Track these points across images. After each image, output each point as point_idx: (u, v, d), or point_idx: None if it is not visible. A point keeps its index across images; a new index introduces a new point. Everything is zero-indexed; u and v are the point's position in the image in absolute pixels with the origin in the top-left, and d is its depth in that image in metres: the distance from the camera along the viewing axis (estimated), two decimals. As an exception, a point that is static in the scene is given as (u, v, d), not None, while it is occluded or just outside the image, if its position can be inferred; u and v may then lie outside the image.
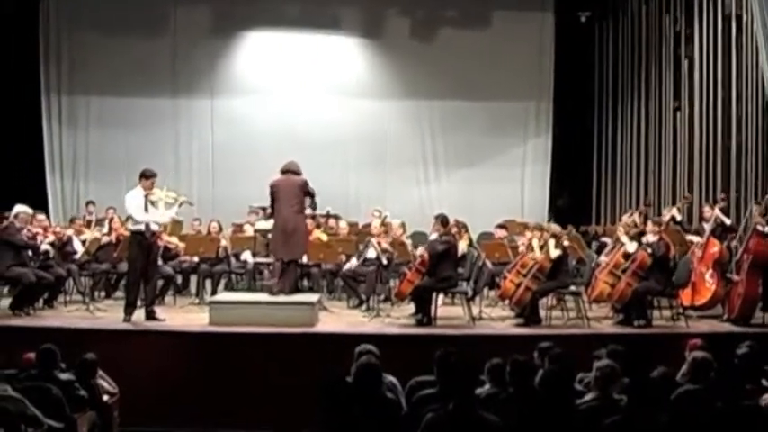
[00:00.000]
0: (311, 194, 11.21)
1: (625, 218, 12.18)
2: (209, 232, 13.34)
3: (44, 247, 11.34)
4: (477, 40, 17.32)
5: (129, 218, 10.97)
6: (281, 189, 10.84)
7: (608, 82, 17.60)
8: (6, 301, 11.07)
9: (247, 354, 9.58)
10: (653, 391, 5.68)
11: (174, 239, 12.99)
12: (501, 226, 13.31)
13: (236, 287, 13.33)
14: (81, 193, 17.24)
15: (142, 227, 10.41)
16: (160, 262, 11.96)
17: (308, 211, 13.48)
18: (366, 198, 16.81)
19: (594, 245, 14.01)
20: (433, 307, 10.66)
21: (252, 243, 12.76)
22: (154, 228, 10.52)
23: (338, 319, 11.21)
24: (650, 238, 10.69)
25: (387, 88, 17.52)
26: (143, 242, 10.46)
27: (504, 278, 11.05)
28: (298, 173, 10.99)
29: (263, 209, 11.70)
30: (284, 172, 10.96)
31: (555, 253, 10.68)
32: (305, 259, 12.25)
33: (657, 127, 16.01)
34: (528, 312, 10.65)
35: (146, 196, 10.50)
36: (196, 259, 12.90)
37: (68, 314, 11.20)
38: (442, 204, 15.82)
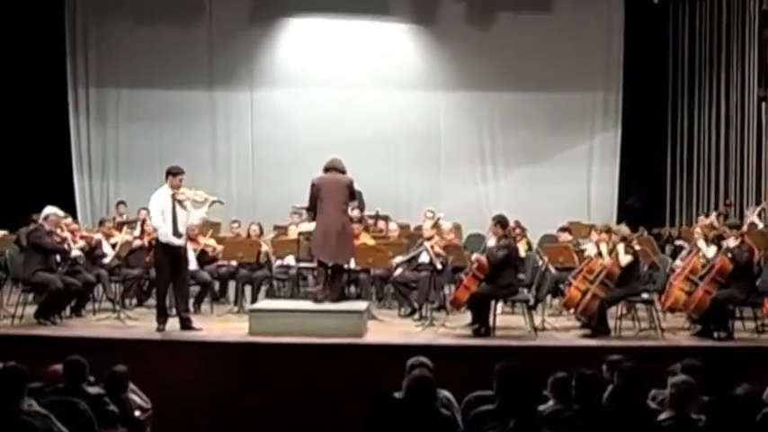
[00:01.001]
0: (354, 195, 11.20)
1: (702, 219, 12.04)
2: (248, 235, 13.39)
3: (75, 252, 11.46)
4: (539, 26, 17.23)
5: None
6: (324, 187, 10.82)
7: (684, 70, 17.40)
8: (31, 309, 11.21)
9: (290, 366, 9.58)
10: (735, 411, 5.59)
11: (212, 242, 13.08)
12: (565, 228, 13.22)
13: (277, 294, 13.37)
14: (111, 192, 17.45)
15: (170, 227, 10.48)
16: (195, 266, 12.04)
17: (355, 213, 13.53)
18: (418, 198, 16.79)
19: (669, 248, 13.87)
20: (491, 316, 10.60)
21: (295, 247, 12.79)
22: (181, 230, 10.58)
23: (388, 328, 11.18)
24: (731, 242, 10.53)
25: (440, 79, 17.49)
26: (169, 248, 10.52)
27: (569, 285, 10.95)
28: (343, 171, 10.98)
29: (307, 209, 11.70)
30: (328, 169, 10.96)
31: (626, 259, 10.55)
32: (352, 264, 12.25)
33: (740, 118, 15.79)
34: (595, 322, 10.54)
35: (173, 196, 10.56)
36: (235, 264, 12.95)
37: (97, 323, 11.31)
38: (501, 205, 15.72)
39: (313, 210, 11.17)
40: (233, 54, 17.49)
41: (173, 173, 10.64)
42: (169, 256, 10.53)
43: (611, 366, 7.00)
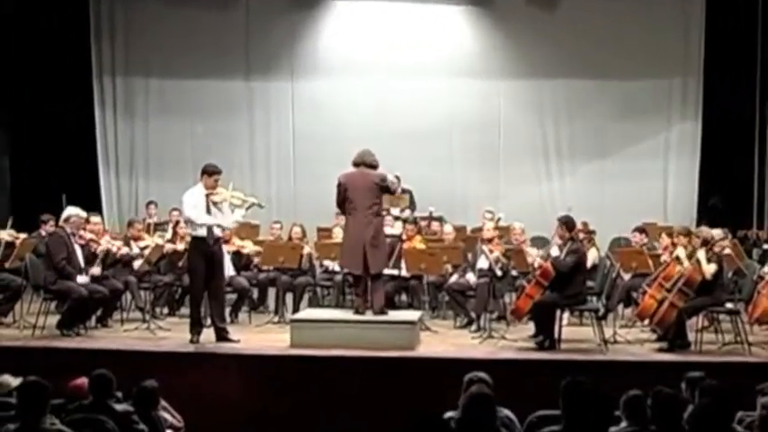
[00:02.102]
0: (391, 190, 11.02)
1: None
2: (290, 238, 13.45)
3: (91, 271, 11.49)
4: (609, 6, 17.09)
5: (187, 221, 11.09)
6: (353, 186, 10.69)
7: (773, 52, 17.17)
8: (54, 319, 11.33)
9: (335, 382, 9.60)
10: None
11: (248, 243, 13.14)
12: (640, 230, 13.10)
13: (321, 303, 13.41)
14: (140, 192, 17.60)
15: (203, 232, 10.53)
16: (232, 272, 12.11)
17: (406, 214, 13.52)
18: (475, 197, 16.73)
19: (756, 253, 13.70)
20: (556, 327, 10.56)
21: (341, 250, 12.79)
22: (217, 232, 10.63)
23: (443, 340, 11.19)
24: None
25: (498, 66, 17.42)
26: (205, 249, 10.58)
27: (644, 293, 10.87)
28: (373, 165, 10.83)
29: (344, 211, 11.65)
30: (356, 164, 10.84)
31: (710, 269, 10.41)
32: (403, 271, 12.24)
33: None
34: (673, 335, 10.44)
35: (207, 196, 10.60)
36: (274, 269, 13.00)
37: (125, 334, 11.42)
38: (567, 204, 15.64)
39: (342, 212, 11.13)
40: (272, 40, 17.54)
41: (208, 172, 10.66)
42: (204, 261, 10.57)
43: (691, 384, 6.95)
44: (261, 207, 11.31)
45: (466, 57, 17.47)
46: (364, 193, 10.67)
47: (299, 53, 17.72)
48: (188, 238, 11.65)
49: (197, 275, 10.65)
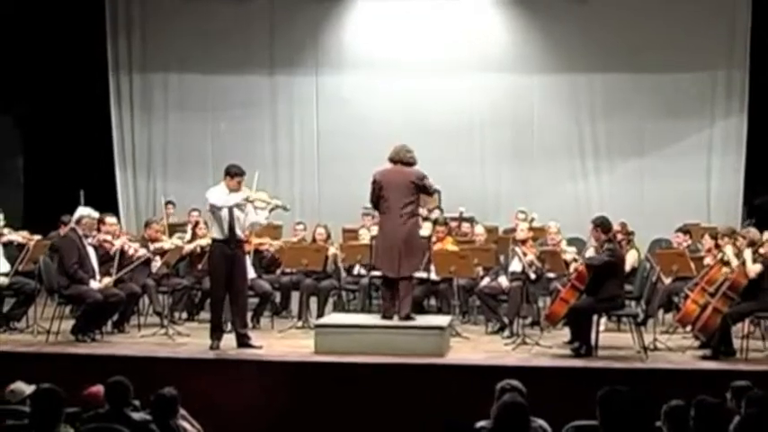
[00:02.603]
0: (429, 191, 11.01)
1: None
2: (314, 240, 13.45)
3: (105, 281, 11.54)
4: (647, -5, 17.04)
5: (212, 209, 11.03)
6: (387, 184, 10.65)
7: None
8: (68, 324, 11.38)
9: (361, 390, 9.59)
10: None
11: (267, 240, 13.14)
12: (683, 231, 13.03)
13: (347, 307, 13.41)
14: (158, 191, 17.62)
15: (224, 233, 10.54)
16: (253, 275, 12.11)
17: (435, 215, 13.49)
18: (507, 196, 16.72)
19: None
20: (593, 333, 10.51)
21: (367, 253, 12.79)
22: (239, 234, 10.64)
23: (474, 347, 11.18)
24: None
25: (532, 60, 17.35)
26: (226, 251, 10.60)
27: (685, 298, 10.83)
28: (410, 162, 10.80)
29: (378, 210, 11.62)
30: (393, 161, 10.81)
31: (755, 268, 10.35)
32: (432, 274, 12.22)
33: None
34: (717, 342, 10.38)
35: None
36: (297, 272, 13.01)
37: (143, 340, 11.46)
38: (604, 204, 15.60)
39: (376, 210, 11.11)
40: (296, 33, 17.55)
41: (231, 173, 10.67)
42: (225, 263, 10.59)
43: (736, 394, 6.91)
44: (285, 210, 11.33)
45: (497, 50, 17.40)
46: (400, 191, 10.63)
47: (324, 46, 17.72)
48: (208, 240, 11.68)
49: (218, 278, 10.67)
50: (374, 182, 10.74)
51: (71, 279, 11.13)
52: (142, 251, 12.23)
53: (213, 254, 10.76)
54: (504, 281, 12.28)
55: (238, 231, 10.64)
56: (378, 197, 10.74)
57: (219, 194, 10.59)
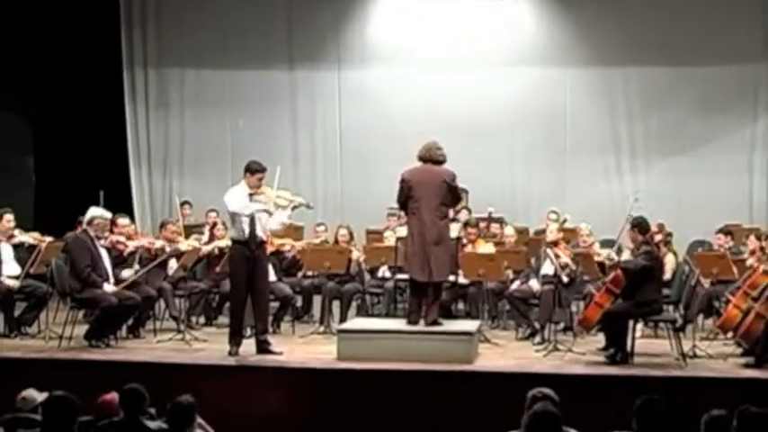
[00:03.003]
0: (457, 193, 10.95)
1: None
2: (336, 241, 13.45)
3: (125, 273, 11.59)
4: (686, -17, 16.98)
5: (233, 215, 11.06)
6: (417, 184, 10.59)
7: None
8: (81, 329, 11.42)
9: (386, 398, 9.57)
10: None
11: (291, 242, 13.16)
12: (725, 232, 12.97)
13: (371, 312, 13.41)
14: (174, 191, 17.64)
15: (245, 234, 10.55)
16: (273, 278, 12.12)
17: (463, 216, 13.46)
18: (538, 196, 16.71)
19: None
20: (629, 339, 10.47)
21: (392, 255, 12.80)
22: (260, 235, 10.64)
23: (504, 353, 11.17)
24: None
25: (565, 52, 17.31)
26: (247, 253, 10.60)
27: (727, 302, 10.78)
28: (441, 161, 10.76)
29: (406, 211, 11.59)
30: (423, 160, 10.77)
31: (799, 270, 10.32)
32: (461, 277, 12.20)
33: None
34: (761, 349, 10.32)
35: (250, 196, 10.64)
36: (319, 275, 13.02)
37: (159, 345, 11.49)
38: (640, 204, 15.49)
39: (404, 211, 11.07)
40: (317, 26, 17.59)
41: (251, 170, 10.68)
42: (246, 265, 10.59)
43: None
44: (309, 208, 11.33)
45: (528, 43, 17.38)
46: (431, 191, 10.57)
47: (346, 40, 17.74)
48: (226, 241, 11.70)
49: (238, 281, 10.67)
50: (403, 181, 10.69)
51: (83, 282, 11.17)
52: (160, 243, 12.30)
53: (233, 256, 10.76)
54: (535, 284, 12.25)
55: (259, 232, 10.63)
56: (406, 197, 10.68)
57: (239, 197, 10.58)
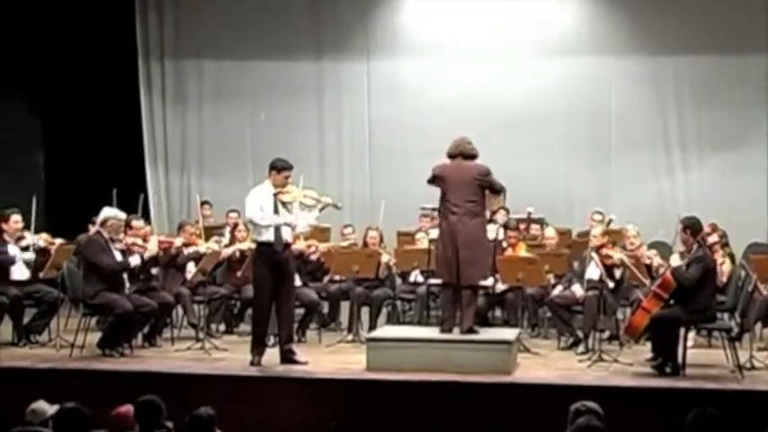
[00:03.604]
0: (495, 188, 10.94)
1: None
2: (365, 244, 13.45)
3: (133, 260, 11.62)
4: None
5: (250, 223, 11.12)
6: (448, 180, 10.63)
7: None
8: (94, 337, 11.47)
9: (418, 411, 9.58)
10: None
11: (317, 244, 13.16)
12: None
13: (402, 319, 13.42)
14: (192, 190, 17.68)
15: (270, 236, 10.55)
16: (298, 282, 12.13)
17: (500, 217, 13.43)
18: (582, 195, 16.65)
19: None
20: (680, 349, 10.42)
21: (425, 258, 12.81)
22: (286, 237, 10.65)
23: (545, 364, 11.16)
24: None
25: (610, 41, 17.24)
26: (272, 257, 10.60)
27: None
28: (472, 156, 10.77)
29: (438, 211, 11.61)
30: (452, 156, 10.79)
31: None
32: (498, 282, 12.18)
33: None
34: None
35: (275, 195, 10.65)
36: (347, 280, 13.03)
37: (176, 354, 11.53)
38: (692, 204, 15.46)
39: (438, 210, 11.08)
40: (345, 14, 17.61)
41: (277, 168, 10.69)
42: (271, 269, 10.60)
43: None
44: (337, 208, 11.33)
45: (569, 32, 17.30)
46: (462, 188, 10.60)
47: (375, 29, 17.73)
48: (248, 244, 11.70)
49: (263, 286, 10.68)
50: (434, 177, 10.73)
51: (113, 271, 11.21)
52: (180, 241, 12.43)
53: (258, 259, 10.77)
54: (578, 290, 12.22)
55: (285, 234, 10.64)
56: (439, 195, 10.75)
57: (262, 200, 10.59)
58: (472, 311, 10.81)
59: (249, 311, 12.86)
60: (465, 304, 10.73)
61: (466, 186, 10.59)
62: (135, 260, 11.56)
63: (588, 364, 10.89)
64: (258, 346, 10.66)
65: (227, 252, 12.96)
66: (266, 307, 10.72)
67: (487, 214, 12.95)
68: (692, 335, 11.24)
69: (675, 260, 10.86)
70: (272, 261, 10.59)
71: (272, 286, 10.62)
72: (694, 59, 17.00)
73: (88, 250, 11.44)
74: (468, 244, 10.58)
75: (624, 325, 11.30)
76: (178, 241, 12.62)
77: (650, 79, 17.21)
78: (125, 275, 11.54)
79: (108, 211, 11.68)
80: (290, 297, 10.91)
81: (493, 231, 12.84)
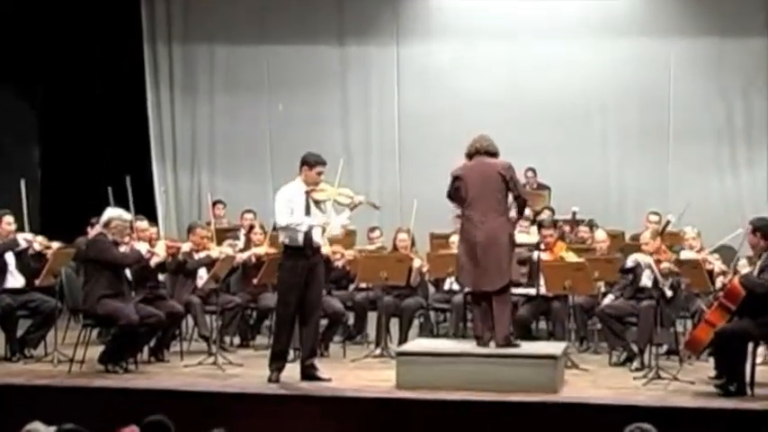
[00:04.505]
0: (518, 189, 10.80)
1: None
2: (395, 248, 13.44)
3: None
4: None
5: (280, 228, 11.07)
6: (471, 181, 10.60)
7: None
8: (95, 351, 11.48)
9: (454, 433, 9.60)
10: None
11: (342, 249, 13.17)
12: None
13: (436, 331, 13.41)
14: (203, 189, 17.77)
15: (300, 239, 10.53)
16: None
17: (546, 216, 13.39)
18: (636, 194, 16.70)
19: None
20: (748, 366, 10.36)
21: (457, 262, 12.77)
22: (317, 240, 10.62)
23: (594, 381, 11.13)
24: None
25: (668, 19, 17.25)
26: (302, 262, 10.56)
27: None
28: (494, 153, 10.73)
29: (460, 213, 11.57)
30: (472, 154, 10.73)
31: None
32: (543, 290, 12.14)
33: None
34: None
35: (308, 194, 10.62)
36: (374, 287, 13.03)
37: (186, 370, 11.52)
38: (760, 203, 15.39)
39: (453, 203, 11.12)
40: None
41: (309, 163, 10.65)
42: (300, 274, 10.53)
43: None
44: (376, 207, 11.29)
45: (623, 9, 17.33)
46: (484, 186, 10.58)
47: (406, 9, 17.84)
48: (265, 248, 11.69)
49: (288, 293, 10.61)
50: (455, 179, 10.72)
51: (123, 265, 11.29)
52: (186, 246, 12.44)
53: (285, 263, 10.71)
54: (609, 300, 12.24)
55: (317, 237, 10.62)
56: (459, 197, 10.74)
57: (292, 200, 10.57)
58: (506, 320, 10.72)
59: (266, 323, 12.87)
60: (497, 314, 10.66)
61: (490, 183, 10.58)
62: (155, 258, 11.57)
63: (644, 382, 10.85)
64: (277, 361, 10.63)
65: (241, 257, 12.95)
66: (290, 317, 10.66)
67: (528, 212, 12.96)
68: (761, 350, 11.19)
69: (744, 265, 10.79)
70: (301, 267, 10.54)
71: (299, 294, 10.59)
72: (763, 41, 16.93)
73: (94, 250, 11.40)
74: (490, 244, 10.53)
75: (685, 339, 11.26)
76: (186, 246, 12.59)
77: (714, 63, 17.18)
78: (129, 281, 11.54)
79: (112, 212, 11.65)
80: (317, 306, 10.85)
81: (534, 235, 12.83)
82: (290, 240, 10.59)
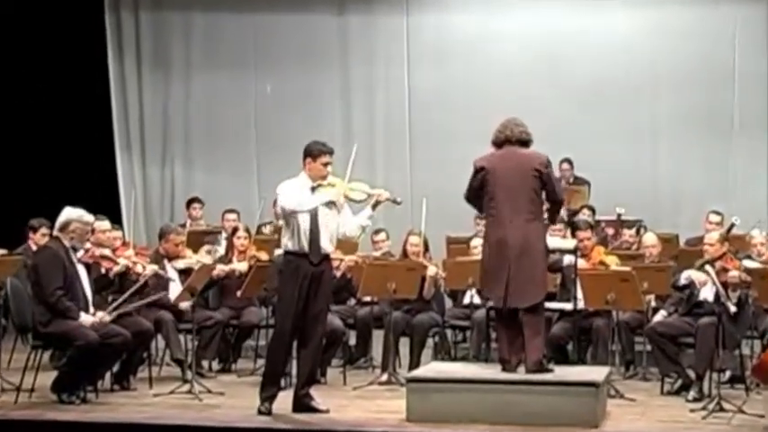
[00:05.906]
0: (555, 188, 10.71)
1: None
2: (405, 254, 13.42)
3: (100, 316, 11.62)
4: None
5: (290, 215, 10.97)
6: (497, 175, 10.47)
7: None
8: (48, 378, 11.43)
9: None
10: None
11: (341, 256, 13.14)
12: None
13: (454, 353, 13.40)
14: (177, 185, 17.78)
15: (305, 241, 10.46)
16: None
17: (586, 216, 13.37)
18: (693, 192, 16.67)
19: None
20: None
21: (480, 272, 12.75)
22: (325, 247, 10.55)
23: (644, 413, 11.07)
24: None
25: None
26: (306, 270, 10.48)
27: None
28: (526, 142, 10.63)
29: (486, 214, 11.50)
30: (499, 144, 10.62)
31: None
32: (580, 303, 12.11)
33: None
34: None
35: (314, 189, 10.58)
36: (380, 301, 13.02)
37: (156, 400, 11.46)
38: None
39: (479, 209, 11.04)
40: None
41: (313, 154, 10.59)
42: (302, 285, 10.45)
43: None
44: (397, 203, 11.09)
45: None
46: (516, 183, 10.46)
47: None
48: (254, 253, 11.68)
49: (287, 309, 10.53)
50: (477, 171, 10.57)
51: (52, 311, 11.14)
52: (151, 268, 12.26)
53: (285, 270, 10.64)
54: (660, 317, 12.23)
55: (325, 241, 10.55)
56: (483, 193, 10.60)
57: (296, 191, 10.54)
58: (540, 342, 10.65)
59: (250, 342, 12.82)
60: (529, 334, 10.58)
61: (522, 180, 10.43)
62: (87, 318, 11.25)
63: (703, 415, 10.77)
64: (270, 388, 10.53)
65: (222, 269, 12.86)
66: (288, 336, 10.58)
67: (563, 213, 12.93)
68: (843, 379, 11.16)
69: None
70: (304, 275, 10.46)
71: (300, 308, 10.51)
72: None
73: (40, 262, 11.30)
74: (522, 254, 10.41)
75: (752, 364, 11.22)
76: (149, 268, 12.37)
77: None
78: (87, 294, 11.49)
79: (70, 212, 11.51)
80: (321, 323, 10.73)
81: (570, 241, 12.78)
82: (292, 244, 10.53)
